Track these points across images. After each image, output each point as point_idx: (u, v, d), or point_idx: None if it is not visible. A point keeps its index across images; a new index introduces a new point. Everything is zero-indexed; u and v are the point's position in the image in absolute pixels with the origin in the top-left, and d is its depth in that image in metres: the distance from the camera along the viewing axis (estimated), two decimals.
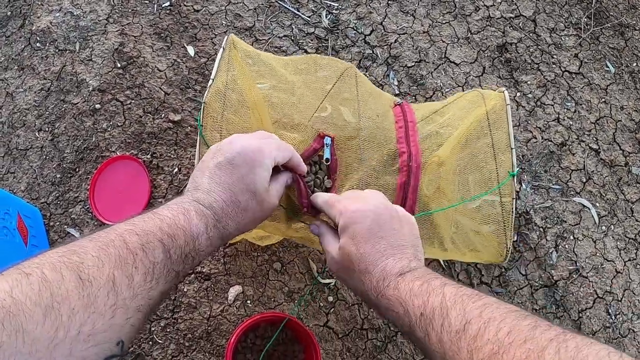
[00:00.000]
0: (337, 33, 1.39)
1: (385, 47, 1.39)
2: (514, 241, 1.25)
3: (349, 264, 0.63)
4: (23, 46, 1.36)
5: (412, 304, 0.53)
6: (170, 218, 0.55)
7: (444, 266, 1.20)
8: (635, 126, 1.44)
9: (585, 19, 1.53)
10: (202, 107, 0.76)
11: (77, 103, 1.28)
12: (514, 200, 0.85)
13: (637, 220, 1.35)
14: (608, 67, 1.49)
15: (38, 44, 1.36)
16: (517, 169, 0.85)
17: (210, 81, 0.79)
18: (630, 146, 1.42)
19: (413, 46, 1.40)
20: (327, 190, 0.83)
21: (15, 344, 0.36)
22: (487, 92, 0.93)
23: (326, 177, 0.84)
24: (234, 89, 0.81)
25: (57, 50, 1.35)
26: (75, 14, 1.39)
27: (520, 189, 1.31)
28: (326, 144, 0.77)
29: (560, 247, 1.28)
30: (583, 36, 1.51)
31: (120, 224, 0.53)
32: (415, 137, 0.89)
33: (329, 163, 0.83)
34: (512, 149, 0.86)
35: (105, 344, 0.44)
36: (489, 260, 0.91)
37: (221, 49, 0.82)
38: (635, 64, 1.52)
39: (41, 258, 0.44)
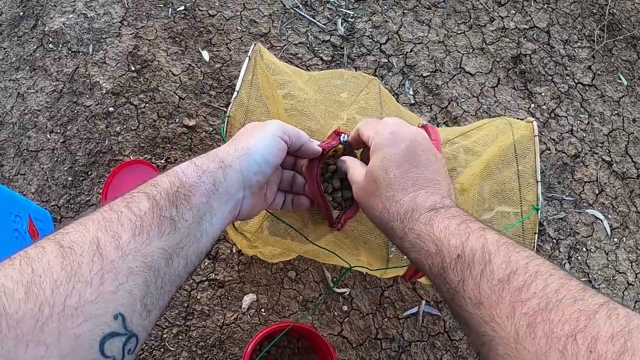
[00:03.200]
0: (353, 41, 1.39)
1: (401, 56, 1.39)
2: None
3: (374, 189, 0.59)
4: (35, 47, 1.35)
5: (447, 243, 0.49)
6: (158, 175, 0.52)
7: None
8: None
9: (598, 31, 1.54)
10: (226, 120, 0.75)
11: (90, 106, 1.27)
12: (535, 235, 0.82)
13: None
14: (621, 79, 1.50)
15: (51, 45, 1.35)
16: (541, 204, 0.82)
17: (235, 93, 0.78)
18: None
19: (429, 56, 1.40)
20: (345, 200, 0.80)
21: None
22: (515, 121, 0.91)
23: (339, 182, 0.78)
24: (258, 98, 0.80)
25: (70, 52, 1.34)
26: (89, 15, 1.38)
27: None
28: (342, 141, 0.73)
29: (573, 258, 1.28)
30: (596, 48, 1.51)
31: None
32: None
33: (345, 150, 0.76)
34: (537, 181, 0.83)
35: (98, 317, 0.38)
36: None
37: (247, 59, 0.81)
38: None
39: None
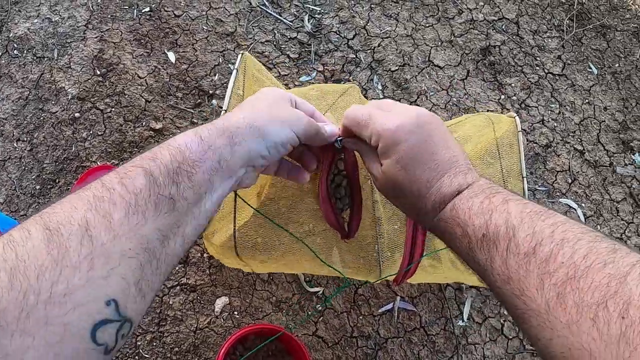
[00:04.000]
0: (320, 38, 1.38)
1: (369, 51, 1.38)
2: None
3: (397, 190, 0.56)
4: (0, 54, 1.33)
5: (472, 225, 0.48)
6: (155, 146, 0.48)
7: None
8: (619, 126, 1.45)
9: (568, 21, 1.54)
10: None
11: (56, 112, 1.25)
12: None
13: (622, 220, 1.36)
14: (591, 68, 1.50)
15: (15, 52, 1.33)
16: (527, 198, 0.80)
17: (223, 112, 0.75)
18: (614, 146, 1.43)
19: (397, 50, 1.39)
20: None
21: None
22: (496, 116, 0.90)
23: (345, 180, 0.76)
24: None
25: (35, 58, 1.32)
26: (53, 20, 1.36)
27: None
28: (338, 148, 0.70)
29: None
30: (566, 38, 1.51)
31: None
32: None
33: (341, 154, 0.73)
34: (523, 177, 0.83)
35: (88, 304, 0.36)
36: None
37: (234, 71, 0.79)
38: (617, 65, 1.53)
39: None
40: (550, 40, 1.50)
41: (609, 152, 1.42)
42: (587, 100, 1.46)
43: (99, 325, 0.36)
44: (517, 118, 0.86)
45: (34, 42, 1.33)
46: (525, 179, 0.83)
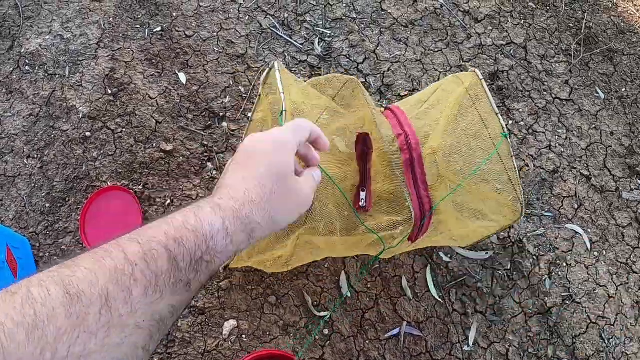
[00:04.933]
0: (330, 61, 1.39)
1: (378, 75, 1.39)
2: (507, 269, 1.26)
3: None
4: (12, 69, 1.34)
5: None
6: (179, 220, 0.48)
7: (437, 297, 1.20)
8: (625, 151, 1.46)
9: (575, 45, 1.55)
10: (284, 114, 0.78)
11: (67, 130, 1.26)
12: (512, 157, 0.92)
13: (628, 245, 1.36)
14: (598, 93, 1.51)
15: (27, 67, 1.34)
16: (506, 130, 0.93)
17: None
18: (620, 171, 1.43)
19: (406, 74, 1.40)
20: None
21: None
22: (461, 74, 1.03)
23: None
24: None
25: (46, 75, 1.33)
26: (65, 37, 1.37)
27: None
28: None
29: (553, 274, 1.29)
30: (573, 62, 1.52)
31: (125, 234, 0.47)
32: (406, 120, 0.97)
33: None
34: (496, 114, 0.93)
35: None
36: (504, 223, 1.01)
37: (276, 72, 0.84)
38: (624, 89, 1.54)
39: (32, 276, 0.39)
40: (557, 65, 1.52)
41: (615, 177, 1.43)
42: (594, 125, 1.47)
43: None
44: (477, 70, 0.98)
45: (46, 58, 1.35)
46: (498, 115, 0.93)
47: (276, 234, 0.93)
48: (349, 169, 1.00)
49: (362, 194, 0.96)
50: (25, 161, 1.25)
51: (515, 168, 0.93)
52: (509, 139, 0.92)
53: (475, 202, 1.01)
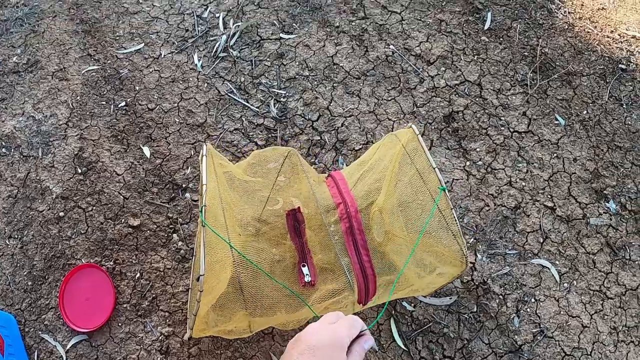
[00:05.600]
0: (286, 122, 1.44)
1: (333, 132, 1.44)
2: (473, 312, 1.28)
3: None
4: None
5: None
6: None
7: (403, 347, 1.24)
8: (590, 176, 1.46)
9: (531, 74, 1.58)
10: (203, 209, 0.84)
11: (43, 211, 1.33)
12: (452, 209, 0.96)
13: (600, 271, 1.36)
14: (558, 119, 1.53)
15: (4, 150, 1.42)
16: (444, 185, 0.96)
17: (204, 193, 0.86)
18: (586, 197, 1.44)
19: (360, 128, 1.45)
20: None
21: None
22: (398, 132, 1.08)
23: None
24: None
25: (21, 156, 1.41)
26: (37, 118, 1.45)
27: (476, 259, 1.34)
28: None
29: (521, 311, 1.30)
30: (530, 92, 1.55)
31: None
32: (346, 187, 1.04)
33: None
34: (434, 168, 0.96)
35: None
36: (453, 273, 1.04)
37: (204, 158, 0.90)
38: (585, 112, 1.55)
39: None
40: (514, 97, 1.54)
41: (582, 204, 1.43)
42: (555, 154, 1.48)
43: None
44: (413, 126, 1.02)
45: (20, 140, 1.42)
46: (436, 169, 0.96)
47: (221, 315, 0.98)
48: (284, 248, 1.05)
49: (305, 269, 1.01)
50: (7, 241, 1.33)
51: (455, 220, 0.96)
52: (446, 193, 0.96)
53: (426, 256, 1.05)
